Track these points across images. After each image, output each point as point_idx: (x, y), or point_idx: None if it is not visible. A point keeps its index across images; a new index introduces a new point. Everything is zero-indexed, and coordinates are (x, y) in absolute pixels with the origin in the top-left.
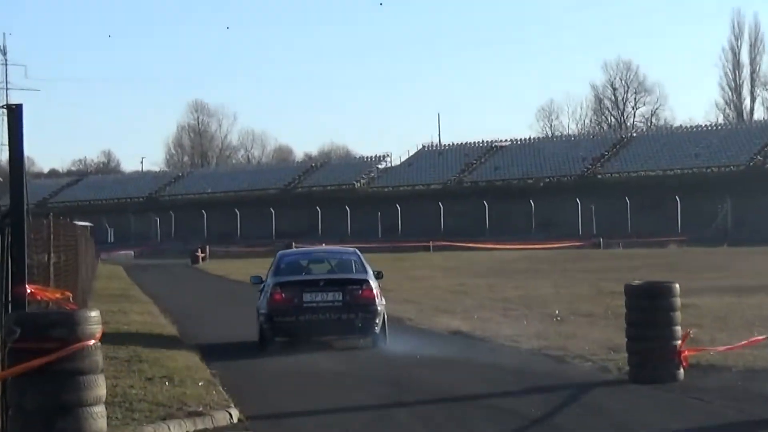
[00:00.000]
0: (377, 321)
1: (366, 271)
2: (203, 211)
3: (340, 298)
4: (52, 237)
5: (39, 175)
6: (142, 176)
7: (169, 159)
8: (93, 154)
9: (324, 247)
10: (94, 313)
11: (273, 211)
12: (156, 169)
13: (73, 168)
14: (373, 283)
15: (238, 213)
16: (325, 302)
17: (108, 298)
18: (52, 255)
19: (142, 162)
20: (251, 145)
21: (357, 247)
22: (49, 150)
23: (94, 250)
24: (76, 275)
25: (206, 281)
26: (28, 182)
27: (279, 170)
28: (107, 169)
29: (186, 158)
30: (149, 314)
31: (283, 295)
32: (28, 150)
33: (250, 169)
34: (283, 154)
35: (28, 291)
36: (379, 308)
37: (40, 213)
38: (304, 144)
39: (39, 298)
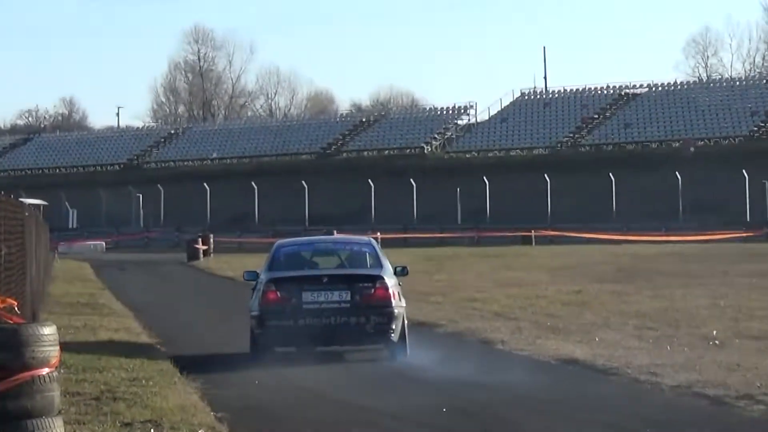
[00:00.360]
0: (393, 327)
1: (381, 266)
2: (205, 185)
3: (348, 298)
4: None
5: None
6: (118, 135)
7: (156, 110)
8: (48, 103)
9: (335, 236)
10: (49, 330)
11: (306, 186)
12: (138, 124)
13: (20, 122)
14: (390, 281)
15: (255, 188)
16: (329, 303)
17: (69, 309)
18: None
19: (118, 114)
20: (275, 90)
21: (428, 238)
22: None
23: (49, 240)
24: (22, 276)
25: (209, 286)
26: None
27: (315, 127)
28: (68, 124)
29: (181, 109)
30: (127, 331)
31: (278, 293)
32: None
33: (273, 125)
34: (320, 104)
35: None
36: (396, 311)
37: None
38: (351, 89)
39: None
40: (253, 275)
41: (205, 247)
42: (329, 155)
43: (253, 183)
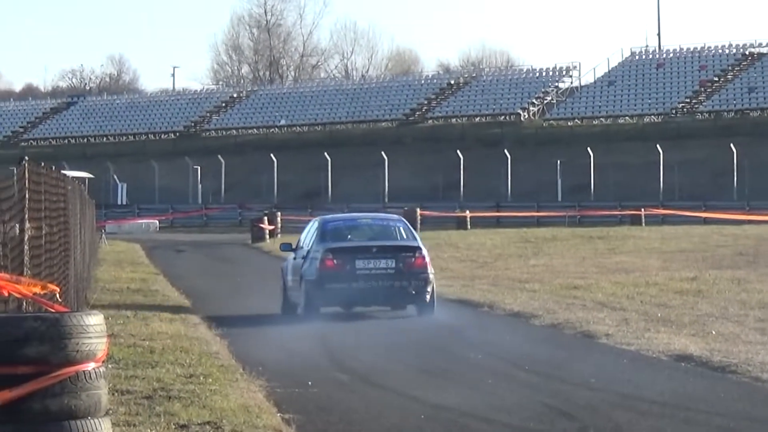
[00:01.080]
0: (429, 289)
1: (416, 239)
2: (272, 156)
3: (393, 265)
4: (27, 196)
5: (7, 95)
6: (173, 98)
7: (217, 71)
8: (94, 63)
9: (369, 214)
10: (95, 320)
11: (386, 157)
12: (196, 87)
13: (62, 84)
14: (425, 251)
15: (329, 160)
16: (377, 269)
17: (118, 296)
18: (27, 226)
19: (173, 75)
20: (351, 48)
21: (523, 217)
22: (25, 58)
23: (96, 218)
24: (66, 259)
25: (275, 272)
26: None
27: (396, 90)
28: (117, 86)
29: (245, 70)
30: (183, 322)
31: (335, 261)
32: None
33: (349, 89)
34: (403, 65)
35: None
36: (430, 276)
37: (7, 156)
38: (438, 48)
39: (6, 293)
40: (288, 247)
41: (271, 227)
42: (412, 123)
43: (326, 154)
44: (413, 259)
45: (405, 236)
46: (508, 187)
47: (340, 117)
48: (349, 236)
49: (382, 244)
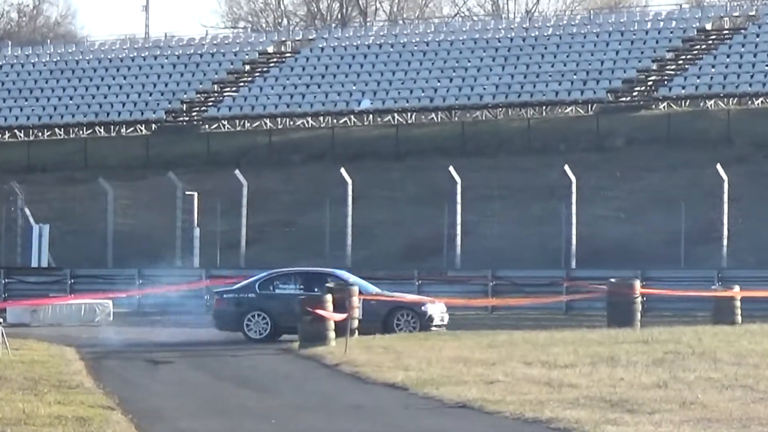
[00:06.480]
0: None
1: None
2: (344, 173)
3: None
4: None
5: None
6: (143, 55)
7: (233, 6)
8: None
9: None
10: None
11: (572, 177)
12: (191, 34)
13: None
14: None
15: (458, 180)
16: None
17: None
18: None
19: (146, 12)
20: None
21: None
22: None
23: None
24: None
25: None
26: None
27: (603, 42)
28: (32, 31)
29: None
30: None
31: None
32: None
33: (505, 38)
34: None
35: None
36: None
37: None
38: None
39: None
40: None
41: (342, 315)
42: (629, 106)
43: (451, 171)
44: None
45: None
46: None
47: (486, 94)
48: None
49: None
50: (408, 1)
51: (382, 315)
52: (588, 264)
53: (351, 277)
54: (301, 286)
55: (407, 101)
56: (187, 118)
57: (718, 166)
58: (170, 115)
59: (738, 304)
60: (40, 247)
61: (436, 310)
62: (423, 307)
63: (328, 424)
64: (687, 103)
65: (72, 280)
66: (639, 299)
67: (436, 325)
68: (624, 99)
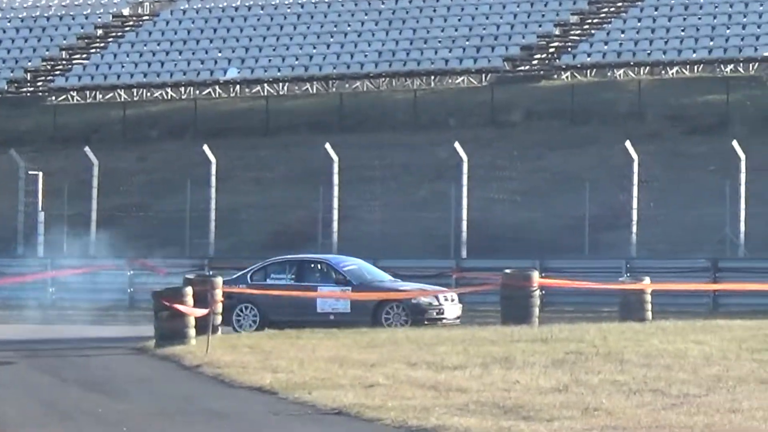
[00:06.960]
0: None
1: None
2: (207, 150)
3: None
4: None
5: None
6: None
7: None
8: None
9: None
10: None
11: (462, 156)
12: None
13: None
14: None
15: (334, 159)
16: None
17: None
18: None
19: None
20: None
21: None
22: None
23: None
24: None
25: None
26: None
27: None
28: None
29: None
30: None
31: None
32: None
33: None
34: None
35: None
36: None
37: None
38: None
39: None
40: None
41: (204, 310)
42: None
43: (327, 147)
44: None
45: None
46: (739, 225)
47: (367, 62)
48: None
49: None
50: None
51: (370, 308)
52: (480, 253)
53: (355, 266)
54: (293, 276)
55: (279, 70)
56: (31, 89)
57: (628, 144)
58: (12, 86)
59: (648, 298)
60: None
61: (434, 303)
62: (414, 300)
63: None
64: (593, 73)
65: None
66: (537, 292)
67: (432, 319)
68: (522, 68)
